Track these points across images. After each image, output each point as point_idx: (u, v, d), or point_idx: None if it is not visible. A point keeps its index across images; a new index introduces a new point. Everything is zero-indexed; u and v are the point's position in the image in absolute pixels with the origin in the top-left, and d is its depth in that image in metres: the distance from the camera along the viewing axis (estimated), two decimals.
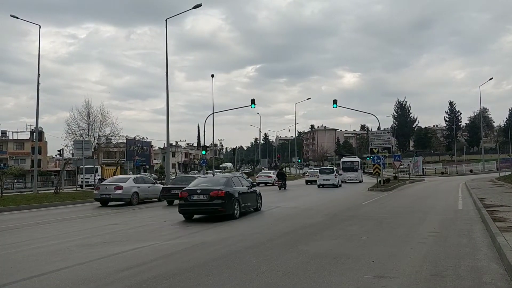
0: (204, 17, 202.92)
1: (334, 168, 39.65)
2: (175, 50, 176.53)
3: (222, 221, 12.88)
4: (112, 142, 64.28)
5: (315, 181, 37.70)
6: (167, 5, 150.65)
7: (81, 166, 37.09)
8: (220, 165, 55.21)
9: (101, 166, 44.08)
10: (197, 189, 13.64)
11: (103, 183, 23.20)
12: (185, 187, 14.69)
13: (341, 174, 39.88)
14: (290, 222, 12.69)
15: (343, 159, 48.14)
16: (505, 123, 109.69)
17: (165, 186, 22.88)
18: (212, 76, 49.18)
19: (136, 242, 9.31)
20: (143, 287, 5.71)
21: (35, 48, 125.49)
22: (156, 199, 22.66)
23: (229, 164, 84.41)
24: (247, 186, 15.62)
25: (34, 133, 45.82)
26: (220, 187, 13.56)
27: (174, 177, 38.61)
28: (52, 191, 28.83)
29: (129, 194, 20.77)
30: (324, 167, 43.51)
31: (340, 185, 35.55)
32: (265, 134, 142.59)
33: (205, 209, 13.41)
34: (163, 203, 21.14)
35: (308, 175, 44.60)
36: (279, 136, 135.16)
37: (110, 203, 20.91)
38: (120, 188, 20.67)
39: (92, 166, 42.86)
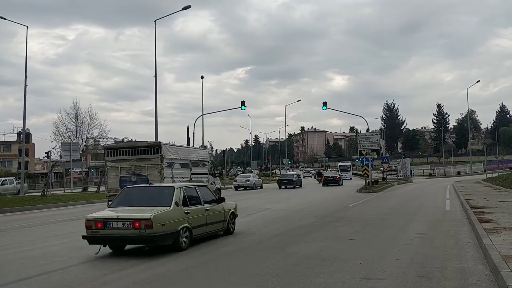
0: (194, 18, 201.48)
1: (338, 169, 59.51)
2: (164, 52, 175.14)
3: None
4: (100, 144, 63.75)
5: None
6: (156, 6, 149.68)
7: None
8: None
9: None
10: (330, 175, 42.01)
11: (238, 177, 40.05)
12: (288, 179, 37.43)
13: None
14: (280, 223, 12.70)
15: (340, 163, 68.69)
16: (492, 125, 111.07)
17: (279, 178, 39.92)
18: (202, 77, 47.06)
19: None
20: None
21: (23, 49, 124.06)
22: (259, 187, 37.03)
23: None
24: (339, 174, 44.05)
25: (21, 135, 45.15)
26: (336, 174, 42.78)
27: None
28: (40, 193, 28.46)
29: (252, 184, 36.12)
30: (332, 170, 63.55)
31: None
32: (256, 136, 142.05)
33: (332, 182, 39.40)
34: (271, 189, 35.71)
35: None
36: (269, 138, 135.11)
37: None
38: (248, 180, 36.57)
39: None
